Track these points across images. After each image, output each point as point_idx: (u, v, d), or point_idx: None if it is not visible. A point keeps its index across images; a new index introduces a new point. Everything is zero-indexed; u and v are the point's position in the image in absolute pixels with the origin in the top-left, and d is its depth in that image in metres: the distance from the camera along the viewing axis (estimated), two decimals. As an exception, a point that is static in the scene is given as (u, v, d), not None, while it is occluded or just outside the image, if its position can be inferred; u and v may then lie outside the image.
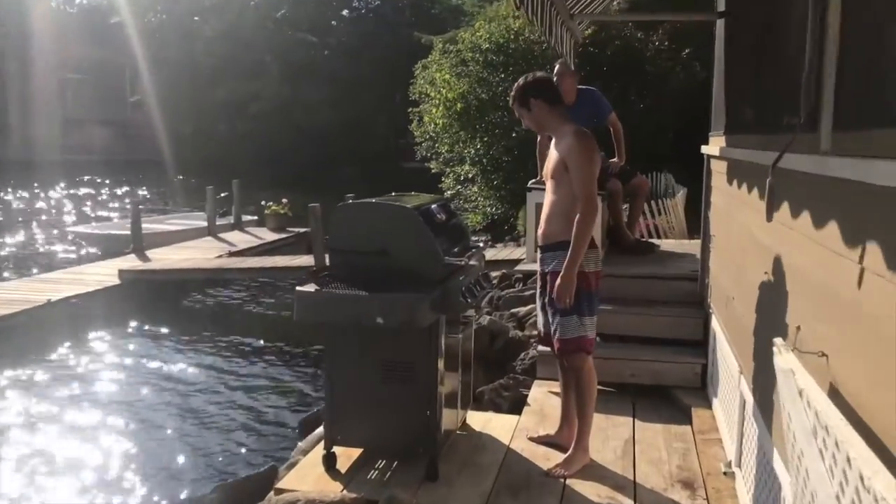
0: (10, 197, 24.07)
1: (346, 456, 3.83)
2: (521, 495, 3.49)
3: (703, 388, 4.72)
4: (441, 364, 3.59)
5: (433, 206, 3.94)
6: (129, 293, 9.49)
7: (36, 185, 26.70)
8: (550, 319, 3.75)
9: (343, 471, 3.73)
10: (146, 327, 8.92)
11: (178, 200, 23.45)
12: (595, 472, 3.76)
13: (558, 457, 3.87)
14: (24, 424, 6.24)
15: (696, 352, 4.89)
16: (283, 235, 13.82)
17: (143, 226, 14.06)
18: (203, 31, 50.25)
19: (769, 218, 2.20)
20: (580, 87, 6.11)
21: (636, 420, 4.45)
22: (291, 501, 3.25)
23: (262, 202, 15.26)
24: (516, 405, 4.74)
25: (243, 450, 5.54)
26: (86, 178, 30.46)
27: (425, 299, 3.29)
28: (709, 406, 4.47)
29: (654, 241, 7.58)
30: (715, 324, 4.51)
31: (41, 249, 14.53)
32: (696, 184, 11.31)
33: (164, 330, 8.85)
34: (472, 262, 3.91)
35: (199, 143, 44.47)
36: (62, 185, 27.41)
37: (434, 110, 15.20)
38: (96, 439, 5.87)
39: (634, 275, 5.46)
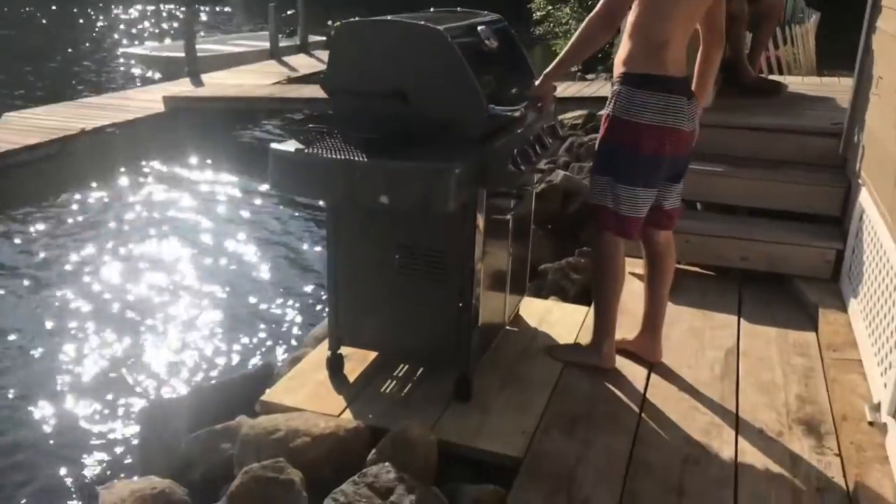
0: (79, 13, 23.31)
1: (359, 358, 2.99)
2: (579, 430, 2.58)
3: (835, 282, 3.61)
4: (480, 252, 2.60)
5: (480, 27, 2.80)
6: (172, 123, 8.70)
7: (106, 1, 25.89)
8: None
9: (351, 378, 2.90)
10: (182, 166, 8.12)
11: (250, 19, 22.18)
12: (684, 398, 2.80)
13: (634, 376, 2.94)
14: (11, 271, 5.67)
15: (830, 232, 3.73)
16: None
17: (203, 47, 13.22)
18: None
19: None
20: None
21: (742, 320, 3.41)
22: (269, 431, 2.45)
23: (330, 21, 13.94)
24: (587, 291, 3.75)
25: (261, 333, 4.76)
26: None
27: (451, 170, 2.25)
28: (843, 308, 3.38)
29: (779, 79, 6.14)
30: (865, 200, 3.32)
31: (94, 71, 13.82)
32: (831, 6, 9.46)
33: (201, 170, 8.03)
34: (531, 112, 2.82)
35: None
36: (130, 2, 26.48)
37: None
38: (77, 303, 5.17)
39: (753, 125, 4.21)
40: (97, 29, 19.98)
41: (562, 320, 3.41)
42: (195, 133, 8.71)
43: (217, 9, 25.27)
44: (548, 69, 2.68)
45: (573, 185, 4.76)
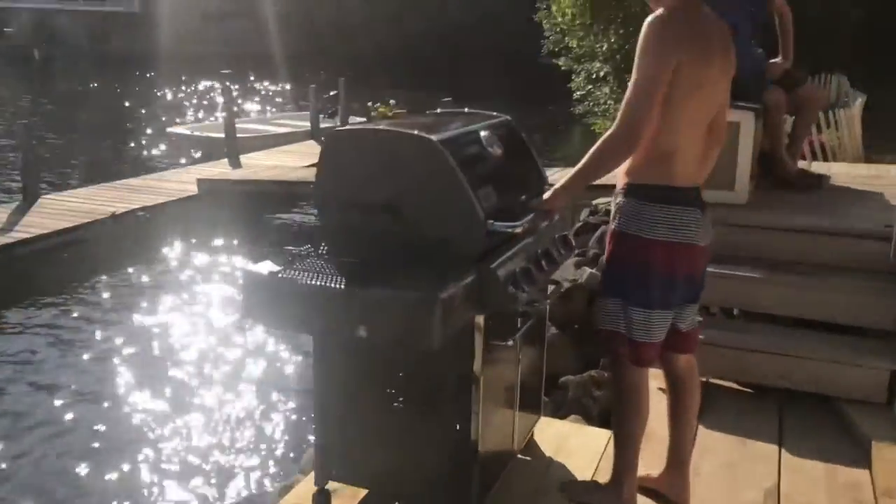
0: (133, 90, 24.03)
1: (350, 493, 2.70)
2: None
3: (890, 407, 3.22)
4: (481, 382, 2.33)
5: (483, 132, 2.58)
6: (204, 206, 8.66)
7: (161, 77, 26.75)
8: None
9: (338, 518, 2.61)
10: (208, 253, 7.94)
11: (300, 96, 22.50)
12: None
13: (658, 518, 2.59)
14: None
15: (884, 349, 3.36)
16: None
17: (245, 126, 13.46)
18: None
19: None
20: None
21: (783, 452, 3.04)
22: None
23: (370, 103, 14.12)
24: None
25: (259, 453, 4.45)
26: (222, 71, 30.33)
27: (435, 300, 2.00)
28: (900, 439, 2.99)
29: (819, 169, 5.81)
30: (921, 318, 2.96)
31: (141, 150, 14.09)
32: (880, 89, 9.15)
33: (226, 258, 7.83)
34: (540, 224, 2.58)
35: (336, 37, 43.93)
36: (197, 78, 27.26)
37: (563, -2, 13.40)
38: (65, 408, 4.93)
39: (795, 227, 3.89)
40: (159, 104, 20.42)
41: (582, 447, 3.08)
42: (227, 217, 8.65)
43: (278, 86, 25.63)
44: (559, 183, 2.44)
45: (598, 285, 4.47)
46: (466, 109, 2.98)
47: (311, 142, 12.90)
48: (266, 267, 2.18)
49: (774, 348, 3.42)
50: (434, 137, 2.26)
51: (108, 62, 36.17)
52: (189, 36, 43.69)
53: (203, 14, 47.18)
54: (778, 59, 4.57)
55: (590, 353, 4.04)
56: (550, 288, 3.06)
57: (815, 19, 10.24)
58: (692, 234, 2.34)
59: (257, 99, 22.17)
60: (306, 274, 2.12)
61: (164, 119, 17.12)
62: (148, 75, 28.21)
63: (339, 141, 2.40)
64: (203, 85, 25.92)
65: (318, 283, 2.07)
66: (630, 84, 2.20)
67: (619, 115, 2.21)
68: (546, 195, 2.50)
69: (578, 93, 15.17)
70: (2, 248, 6.66)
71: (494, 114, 2.88)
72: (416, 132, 2.29)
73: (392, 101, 13.22)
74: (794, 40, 4.64)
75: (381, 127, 2.40)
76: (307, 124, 13.64)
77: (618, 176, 2.42)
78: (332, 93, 14.74)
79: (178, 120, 16.85)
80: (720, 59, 2.32)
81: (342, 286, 2.04)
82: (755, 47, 4.54)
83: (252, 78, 28.13)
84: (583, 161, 2.31)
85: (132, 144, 14.68)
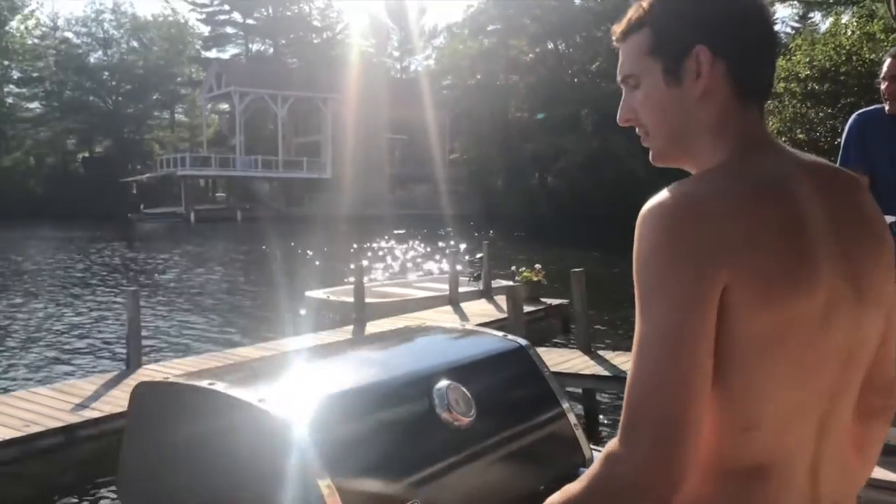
0: (320, 250, 24.75)
1: None
2: None
3: None
4: None
5: (440, 383, 1.40)
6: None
7: (341, 238, 27.65)
8: None
9: None
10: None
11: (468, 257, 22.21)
12: None
13: None
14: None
15: None
16: (533, 308, 11.49)
17: (385, 290, 13.00)
18: (517, 87, 51.11)
19: None
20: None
21: None
22: None
23: (513, 267, 13.17)
24: None
25: None
26: (397, 232, 31.18)
27: None
28: None
29: None
30: None
31: (278, 315, 13.85)
32: None
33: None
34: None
35: (509, 198, 44.74)
36: (373, 238, 28.02)
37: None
38: None
39: None
40: (328, 264, 20.61)
41: None
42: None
43: (446, 246, 25.62)
44: None
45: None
46: (465, 325, 1.86)
47: (447, 307, 12.03)
48: None
49: None
50: (279, 411, 1.15)
51: (300, 223, 38.59)
52: (374, 199, 46.27)
53: (389, 179, 50.08)
54: None
55: None
56: None
57: None
58: None
59: (420, 260, 22.04)
60: None
61: (323, 280, 17.11)
62: (330, 236, 29.45)
63: (145, 402, 1.33)
64: (376, 245, 26.43)
65: None
66: (635, 346, 0.95)
67: (622, 414, 0.95)
68: None
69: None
70: (64, 429, 6.10)
71: (500, 334, 1.71)
72: (251, 400, 1.17)
73: (537, 266, 12.16)
74: None
75: (202, 384, 1.29)
76: (447, 288, 12.88)
77: None
78: (478, 255, 13.99)
79: (327, 281, 16.79)
80: (834, 259, 0.99)
81: None
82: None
83: (418, 239, 28.46)
84: (575, 494, 1.04)
85: (278, 307, 14.58)
